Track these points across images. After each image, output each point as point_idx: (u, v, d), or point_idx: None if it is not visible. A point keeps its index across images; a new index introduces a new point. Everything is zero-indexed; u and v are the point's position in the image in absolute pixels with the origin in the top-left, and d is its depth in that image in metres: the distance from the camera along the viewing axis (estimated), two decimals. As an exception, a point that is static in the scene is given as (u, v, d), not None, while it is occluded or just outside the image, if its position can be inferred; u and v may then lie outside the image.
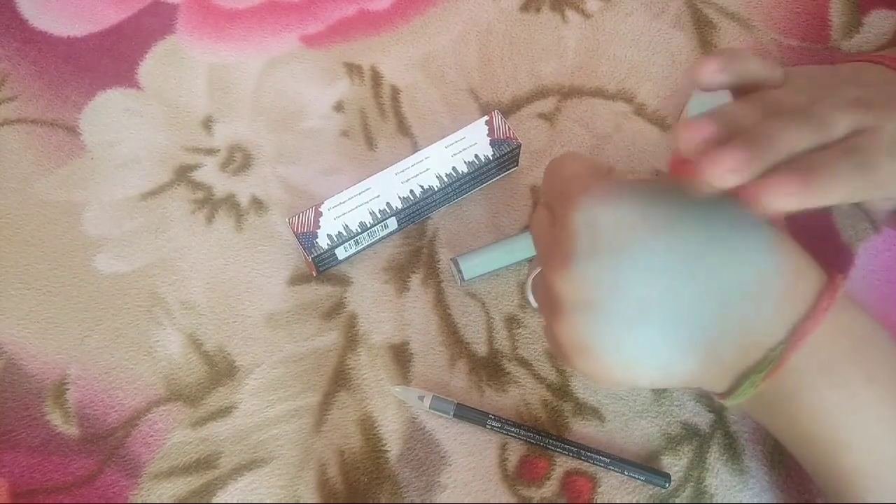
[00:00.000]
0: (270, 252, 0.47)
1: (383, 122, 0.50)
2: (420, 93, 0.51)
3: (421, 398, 0.41)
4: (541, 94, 0.51)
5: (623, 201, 0.30)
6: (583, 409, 0.42)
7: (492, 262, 0.44)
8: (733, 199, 0.30)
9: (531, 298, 0.37)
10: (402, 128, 0.50)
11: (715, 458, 0.41)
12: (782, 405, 0.30)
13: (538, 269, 0.36)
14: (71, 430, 0.42)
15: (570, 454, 0.40)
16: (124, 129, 0.51)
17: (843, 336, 0.30)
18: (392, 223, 0.45)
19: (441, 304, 0.45)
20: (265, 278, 0.46)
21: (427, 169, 0.45)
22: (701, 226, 0.30)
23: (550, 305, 0.31)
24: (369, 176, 0.45)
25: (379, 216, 0.44)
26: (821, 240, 0.46)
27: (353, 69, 0.52)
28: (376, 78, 0.52)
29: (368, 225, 0.43)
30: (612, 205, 0.30)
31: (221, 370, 0.44)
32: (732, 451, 0.41)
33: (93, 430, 0.42)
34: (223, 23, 0.54)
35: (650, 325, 0.29)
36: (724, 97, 0.31)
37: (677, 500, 0.40)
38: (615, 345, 0.29)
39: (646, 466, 0.40)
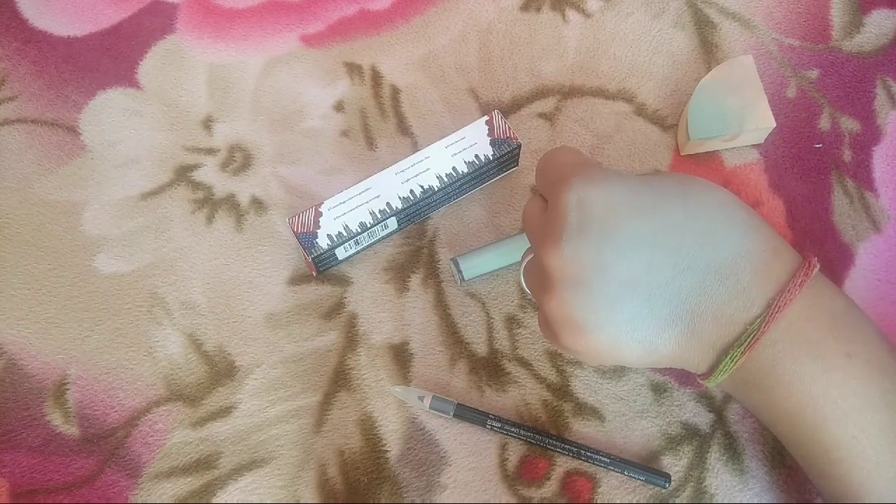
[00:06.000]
0: (270, 252, 0.47)
1: (383, 122, 0.50)
2: (420, 93, 0.51)
3: (421, 398, 0.41)
4: (541, 93, 0.51)
5: (612, 185, 0.32)
6: (583, 409, 0.42)
7: (492, 262, 0.44)
8: (714, 184, 0.33)
9: (525, 286, 0.37)
10: (402, 128, 0.50)
11: (715, 458, 0.41)
12: (762, 380, 0.31)
13: (531, 256, 0.37)
14: (71, 430, 0.42)
15: (570, 454, 0.40)
16: (124, 129, 0.51)
17: (820, 314, 0.31)
18: (392, 223, 0.45)
19: (441, 304, 0.45)
20: (265, 278, 0.46)
21: (427, 169, 0.45)
22: (683, 208, 0.31)
23: (542, 285, 0.33)
24: (369, 176, 0.45)
25: (379, 216, 0.44)
26: (821, 240, 0.46)
27: (353, 69, 0.52)
28: (376, 78, 0.52)
29: (368, 225, 0.43)
30: (601, 187, 0.31)
31: (221, 370, 0.44)
32: (732, 451, 0.41)
33: (93, 431, 0.42)
34: (223, 23, 0.54)
35: (634, 300, 0.31)
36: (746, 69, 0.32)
37: (677, 501, 0.40)
38: (602, 320, 0.31)
39: (646, 466, 0.40)
